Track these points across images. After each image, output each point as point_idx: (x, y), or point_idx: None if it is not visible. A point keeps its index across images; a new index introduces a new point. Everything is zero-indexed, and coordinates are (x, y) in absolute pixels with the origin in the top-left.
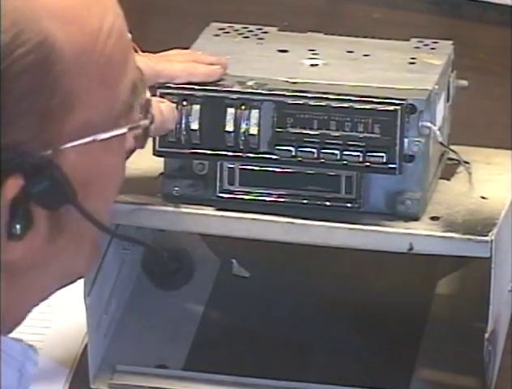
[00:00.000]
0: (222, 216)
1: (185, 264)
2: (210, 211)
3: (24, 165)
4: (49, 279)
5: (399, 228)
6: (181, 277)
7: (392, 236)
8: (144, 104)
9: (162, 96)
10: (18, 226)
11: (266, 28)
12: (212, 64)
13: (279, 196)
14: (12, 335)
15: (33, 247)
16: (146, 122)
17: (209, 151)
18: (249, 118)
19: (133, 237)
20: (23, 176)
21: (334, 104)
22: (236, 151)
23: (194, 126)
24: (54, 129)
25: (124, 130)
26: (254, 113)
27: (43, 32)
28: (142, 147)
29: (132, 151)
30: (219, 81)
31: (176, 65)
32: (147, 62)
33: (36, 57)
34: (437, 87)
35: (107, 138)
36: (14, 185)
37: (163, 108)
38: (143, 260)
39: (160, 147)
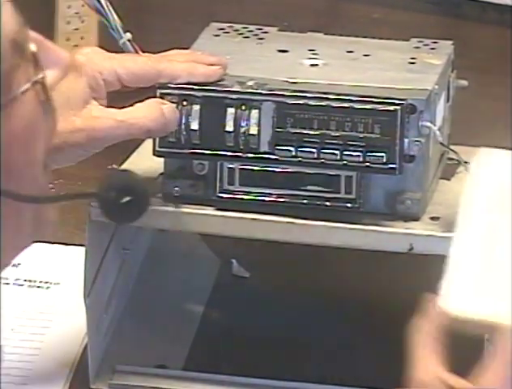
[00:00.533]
0: (222, 216)
1: (138, 196)
2: (210, 211)
3: None
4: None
5: (399, 228)
6: (135, 209)
7: (392, 236)
8: (32, 58)
9: (162, 96)
10: None
11: (266, 28)
12: (212, 64)
13: (279, 196)
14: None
15: None
16: (37, 78)
17: (209, 151)
18: (249, 118)
19: (63, 194)
20: None
21: (334, 104)
22: (236, 152)
23: (194, 126)
24: None
25: (16, 93)
26: (254, 113)
27: None
28: (48, 100)
29: None
30: (219, 81)
31: (177, 65)
32: (147, 62)
33: None
34: (437, 87)
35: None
36: None
37: (165, 110)
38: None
39: (159, 147)
